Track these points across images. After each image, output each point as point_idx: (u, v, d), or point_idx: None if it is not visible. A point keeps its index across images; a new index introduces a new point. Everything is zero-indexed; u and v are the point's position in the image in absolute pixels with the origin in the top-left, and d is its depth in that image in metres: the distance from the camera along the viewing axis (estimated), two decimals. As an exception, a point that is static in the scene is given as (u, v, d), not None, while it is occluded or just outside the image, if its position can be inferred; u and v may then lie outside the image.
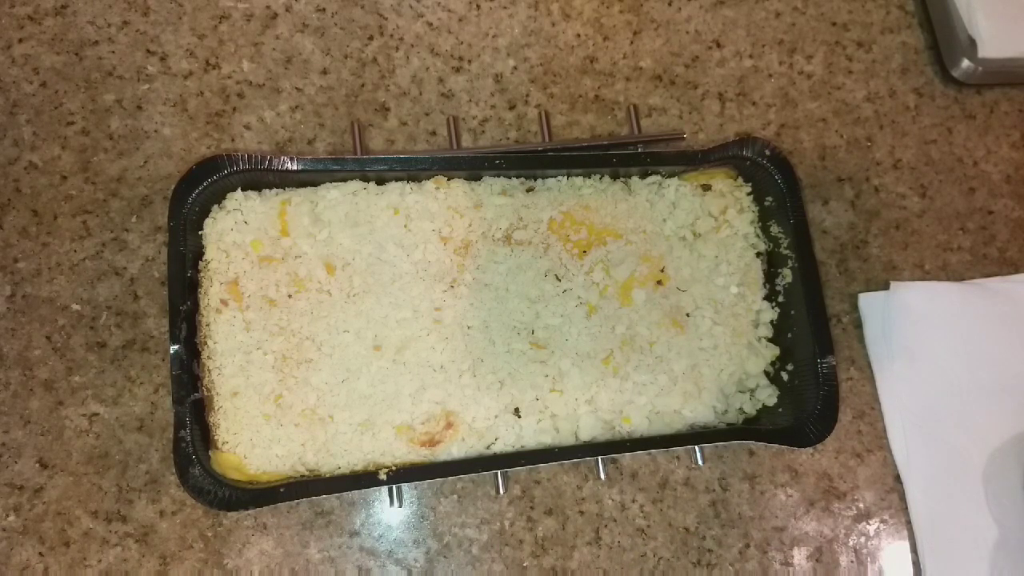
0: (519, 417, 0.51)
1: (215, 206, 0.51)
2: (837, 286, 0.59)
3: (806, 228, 0.53)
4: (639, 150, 0.58)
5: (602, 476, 0.53)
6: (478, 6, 0.60)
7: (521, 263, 0.53)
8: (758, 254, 0.56)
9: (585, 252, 0.53)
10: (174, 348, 0.47)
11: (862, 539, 0.55)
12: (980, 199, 0.62)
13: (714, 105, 0.61)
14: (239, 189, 0.51)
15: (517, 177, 0.54)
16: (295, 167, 0.50)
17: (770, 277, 0.55)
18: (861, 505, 0.55)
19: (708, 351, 0.53)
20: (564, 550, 0.52)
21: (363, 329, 0.50)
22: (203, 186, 0.49)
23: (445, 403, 0.50)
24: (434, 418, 0.50)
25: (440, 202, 0.53)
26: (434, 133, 0.58)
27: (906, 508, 0.55)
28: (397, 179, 0.53)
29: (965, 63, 0.61)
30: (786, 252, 0.54)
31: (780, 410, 0.53)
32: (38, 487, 0.50)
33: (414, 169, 0.52)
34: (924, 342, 0.56)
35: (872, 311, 0.58)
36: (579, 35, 0.61)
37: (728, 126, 0.61)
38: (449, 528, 0.52)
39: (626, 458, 0.54)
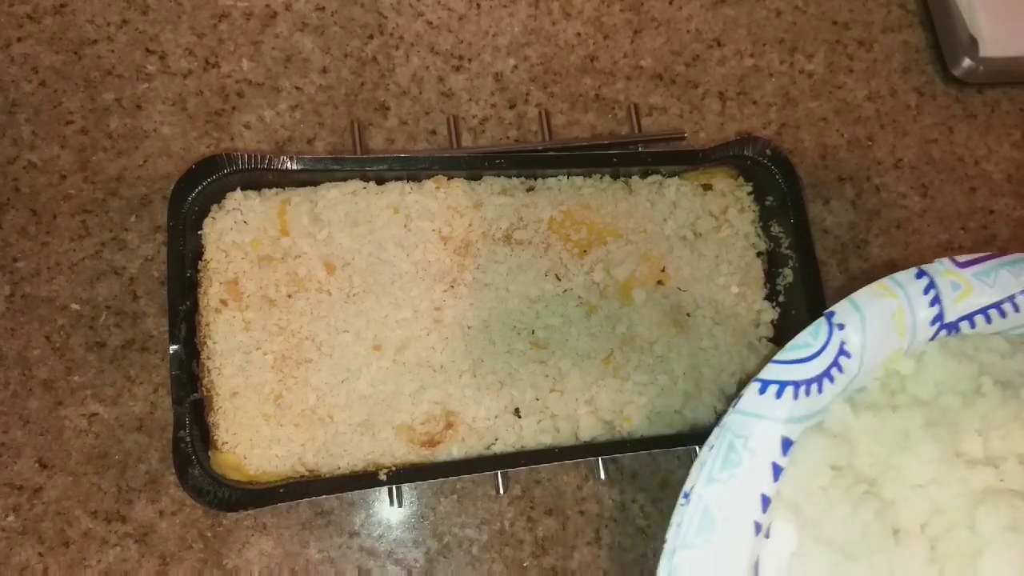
0: (519, 417, 0.51)
1: (215, 206, 0.51)
2: (838, 286, 0.59)
3: (807, 227, 0.53)
4: (639, 149, 0.57)
5: (602, 476, 0.53)
6: (478, 5, 0.60)
7: (521, 263, 0.52)
8: (759, 254, 0.55)
9: (585, 252, 0.53)
10: (173, 348, 0.47)
11: (862, 539, 0.55)
12: (981, 198, 0.62)
13: (715, 104, 0.61)
14: (239, 189, 0.51)
15: (517, 176, 0.54)
16: (295, 167, 0.50)
17: (771, 277, 0.55)
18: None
19: (708, 351, 0.53)
20: (564, 550, 0.52)
21: (363, 329, 0.50)
22: (202, 186, 0.49)
23: (445, 403, 0.50)
24: (434, 418, 0.50)
25: (440, 202, 0.52)
26: (434, 132, 0.58)
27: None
28: (397, 179, 0.53)
29: (966, 62, 0.61)
30: (787, 252, 0.54)
31: (781, 410, 0.53)
32: (37, 487, 0.50)
33: (414, 169, 0.52)
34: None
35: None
36: (579, 34, 0.61)
37: (729, 125, 0.60)
38: (449, 528, 0.52)
39: (626, 458, 0.54)
